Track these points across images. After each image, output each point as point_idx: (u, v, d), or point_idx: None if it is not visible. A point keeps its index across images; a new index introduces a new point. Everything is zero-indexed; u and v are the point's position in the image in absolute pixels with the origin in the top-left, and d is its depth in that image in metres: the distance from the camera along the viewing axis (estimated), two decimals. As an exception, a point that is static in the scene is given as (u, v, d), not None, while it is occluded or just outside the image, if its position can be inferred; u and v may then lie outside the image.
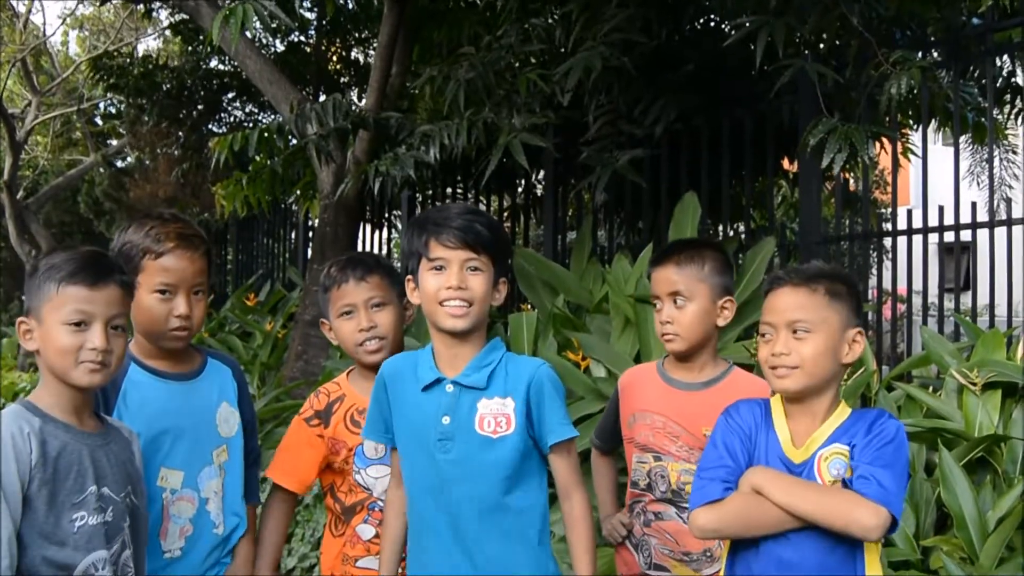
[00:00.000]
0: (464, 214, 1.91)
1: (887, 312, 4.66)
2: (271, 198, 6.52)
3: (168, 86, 9.76)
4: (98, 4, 12.71)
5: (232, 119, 10.69)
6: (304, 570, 3.84)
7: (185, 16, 8.31)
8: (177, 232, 2.03)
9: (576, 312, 4.26)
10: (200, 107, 10.11)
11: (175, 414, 2.04)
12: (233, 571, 2.13)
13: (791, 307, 1.80)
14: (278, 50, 9.55)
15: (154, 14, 10.45)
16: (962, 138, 5.10)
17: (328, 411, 2.25)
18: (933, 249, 4.05)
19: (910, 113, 5.02)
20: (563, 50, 4.50)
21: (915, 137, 5.14)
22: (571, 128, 4.83)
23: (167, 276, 2.00)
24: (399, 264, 3.58)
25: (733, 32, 4.19)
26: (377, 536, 2.16)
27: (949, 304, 5.26)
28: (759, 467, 1.79)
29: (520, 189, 6.70)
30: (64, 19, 16.53)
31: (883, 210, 7.10)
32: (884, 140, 4.13)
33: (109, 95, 12.38)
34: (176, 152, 10.73)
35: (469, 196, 6.56)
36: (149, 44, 18.47)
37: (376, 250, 7.53)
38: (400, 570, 2.02)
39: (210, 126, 10.54)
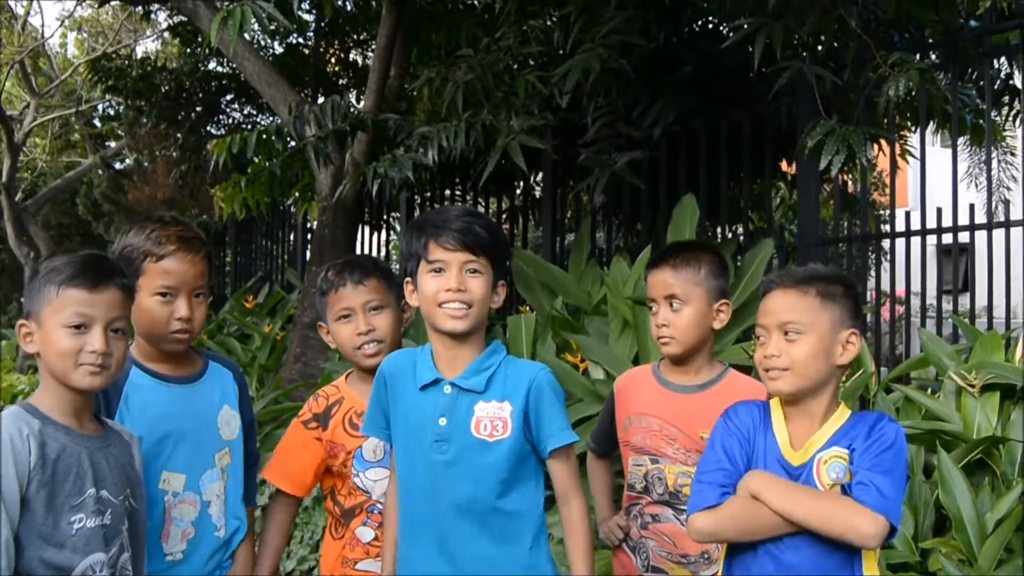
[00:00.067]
0: (463, 216, 1.91)
1: (886, 314, 4.68)
2: (270, 200, 6.53)
3: (166, 88, 9.77)
4: (96, 6, 12.71)
5: (231, 121, 10.70)
6: (303, 572, 3.83)
7: (183, 18, 8.30)
8: (178, 235, 2.02)
9: (574, 314, 4.26)
10: (198, 109, 10.11)
11: (177, 417, 2.04)
12: (233, 574, 2.13)
13: (782, 309, 1.80)
14: (276, 52, 9.55)
15: (152, 16, 10.48)
16: (960, 140, 5.11)
17: (327, 414, 2.25)
18: (931, 251, 4.06)
19: (908, 115, 5.02)
20: (561, 52, 4.51)
21: (913, 139, 5.14)
22: (569, 130, 4.83)
23: (168, 279, 2.00)
24: (398, 266, 3.58)
25: (731, 34, 4.20)
26: (376, 539, 2.16)
27: (947, 306, 5.25)
28: (757, 471, 1.78)
29: (519, 191, 6.70)
30: (62, 21, 16.55)
31: (881, 212, 7.12)
32: (882, 142, 4.13)
33: (107, 97, 12.39)
34: (175, 154, 10.73)
35: (467, 198, 6.56)
36: (147, 46, 18.46)
37: (374, 252, 7.54)
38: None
39: (208, 128, 10.53)
